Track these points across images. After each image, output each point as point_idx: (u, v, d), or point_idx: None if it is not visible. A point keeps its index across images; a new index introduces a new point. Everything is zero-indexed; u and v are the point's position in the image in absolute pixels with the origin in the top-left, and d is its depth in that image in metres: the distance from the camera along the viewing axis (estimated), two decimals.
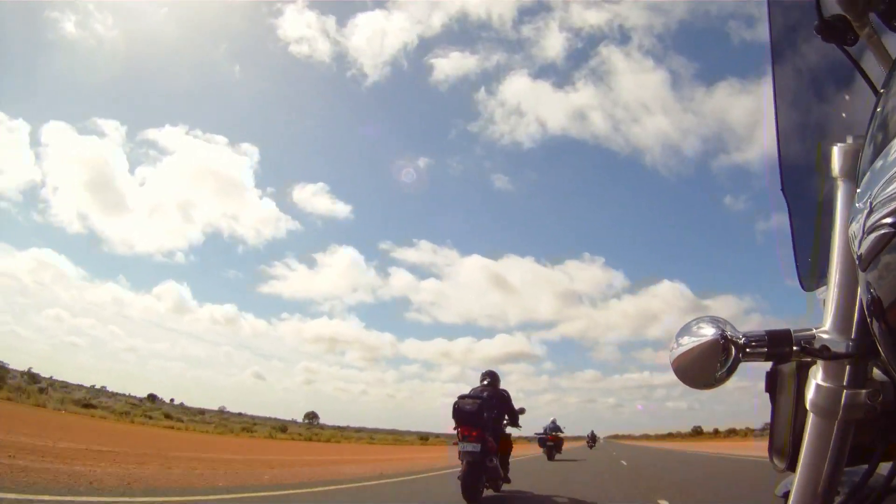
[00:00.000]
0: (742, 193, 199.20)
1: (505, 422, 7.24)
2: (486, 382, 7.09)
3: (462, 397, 6.64)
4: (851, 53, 0.69)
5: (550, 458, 19.69)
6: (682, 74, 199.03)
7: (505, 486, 7.25)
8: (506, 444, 7.21)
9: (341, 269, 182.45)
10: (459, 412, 6.42)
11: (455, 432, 6.51)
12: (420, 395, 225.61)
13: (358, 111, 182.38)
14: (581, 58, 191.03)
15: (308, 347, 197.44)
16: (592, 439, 42.32)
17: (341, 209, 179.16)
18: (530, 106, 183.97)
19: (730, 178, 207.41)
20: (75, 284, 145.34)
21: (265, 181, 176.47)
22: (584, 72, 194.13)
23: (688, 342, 0.61)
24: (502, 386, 7.27)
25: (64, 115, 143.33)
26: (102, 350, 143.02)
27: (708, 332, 0.61)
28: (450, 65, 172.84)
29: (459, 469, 6.43)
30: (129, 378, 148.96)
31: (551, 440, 20.60)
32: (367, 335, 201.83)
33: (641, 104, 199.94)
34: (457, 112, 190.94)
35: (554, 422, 22.06)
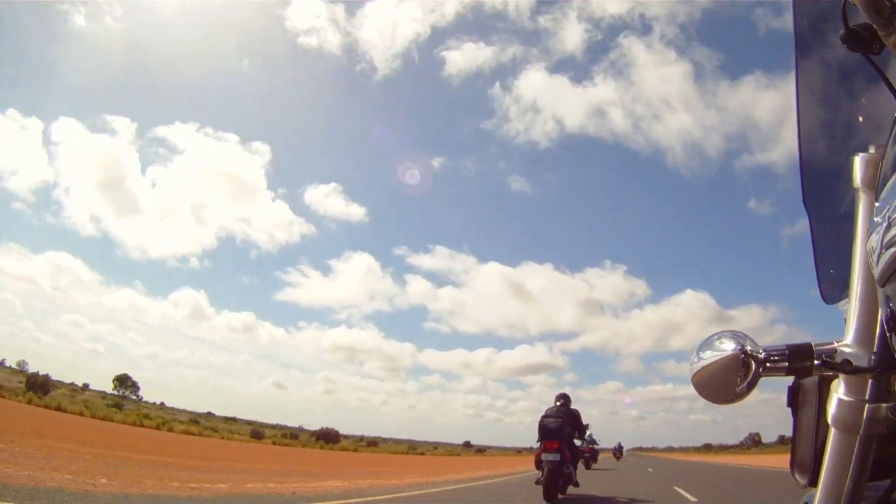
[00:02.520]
0: (767, 196, 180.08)
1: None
2: (559, 403, 8.51)
3: (545, 416, 8.10)
4: (876, 62, 0.67)
5: (587, 467, 21.17)
6: (705, 67, 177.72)
7: (572, 490, 8.63)
8: (576, 454, 8.61)
9: (357, 276, 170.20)
10: (544, 428, 7.88)
11: (538, 444, 7.99)
12: (441, 405, 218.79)
13: (368, 107, 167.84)
14: (600, 50, 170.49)
15: (327, 356, 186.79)
16: (619, 451, 43.49)
17: (355, 211, 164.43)
18: (547, 102, 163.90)
19: (754, 180, 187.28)
20: (92, 290, 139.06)
21: (277, 182, 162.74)
22: (603, 65, 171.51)
23: (707, 357, 0.61)
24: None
25: (74, 111, 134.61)
26: (123, 357, 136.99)
27: (728, 346, 0.61)
28: (463, 58, 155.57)
29: (539, 475, 7.89)
30: (152, 387, 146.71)
31: (587, 451, 22.02)
32: (386, 345, 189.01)
33: (663, 100, 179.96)
34: (470, 108, 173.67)
35: (591, 435, 23.57)
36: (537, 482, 7.96)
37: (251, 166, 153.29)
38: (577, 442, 8.90)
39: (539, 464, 7.92)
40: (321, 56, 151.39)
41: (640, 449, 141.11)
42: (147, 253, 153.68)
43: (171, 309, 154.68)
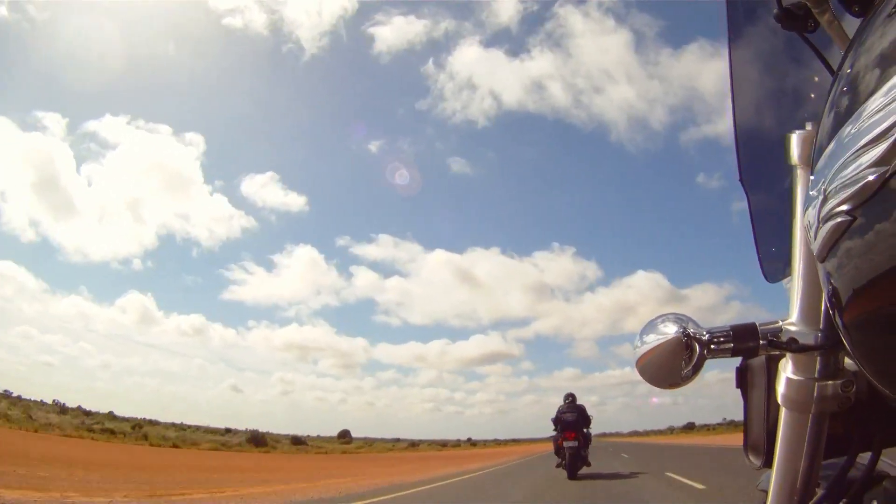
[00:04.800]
0: (715, 170, 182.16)
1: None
2: (569, 401, 10.88)
3: (562, 412, 10.52)
4: (811, 40, 0.68)
5: None
6: (646, 35, 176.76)
7: (585, 469, 10.89)
8: (587, 441, 10.92)
9: (301, 270, 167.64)
10: (563, 421, 10.24)
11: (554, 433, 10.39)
12: (400, 401, 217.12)
13: (298, 90, 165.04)
14: (536, 21, 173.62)
15: (280, 356, 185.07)
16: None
17: (295, 201, 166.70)
18: (483, 78, 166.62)
19: (701, 153, 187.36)
20: (38, 298, 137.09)
21: (214, 174, 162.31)
22: (540, 37, 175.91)
23: (651, 341, 0.60)
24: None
25: (3, 108, 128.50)
26: (76, 368, 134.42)
27: (670, 329, 0.60)
28: (393, 33, 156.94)
29: (559, 459, 10.23)
30: (111, 397, 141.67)
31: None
32: (338, 341, 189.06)
33: (603, 71, 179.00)
34: (403, 87, 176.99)
35: None
36: (558, 465, 10.32)
37: (186, 158, 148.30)
38: (585, 430, 11.24)
39: (559, 450, 10.29)
40: (247, 37, 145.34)
41: (604, 435, 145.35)
42: (89, 256, 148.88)
43: (120, 315, 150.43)
